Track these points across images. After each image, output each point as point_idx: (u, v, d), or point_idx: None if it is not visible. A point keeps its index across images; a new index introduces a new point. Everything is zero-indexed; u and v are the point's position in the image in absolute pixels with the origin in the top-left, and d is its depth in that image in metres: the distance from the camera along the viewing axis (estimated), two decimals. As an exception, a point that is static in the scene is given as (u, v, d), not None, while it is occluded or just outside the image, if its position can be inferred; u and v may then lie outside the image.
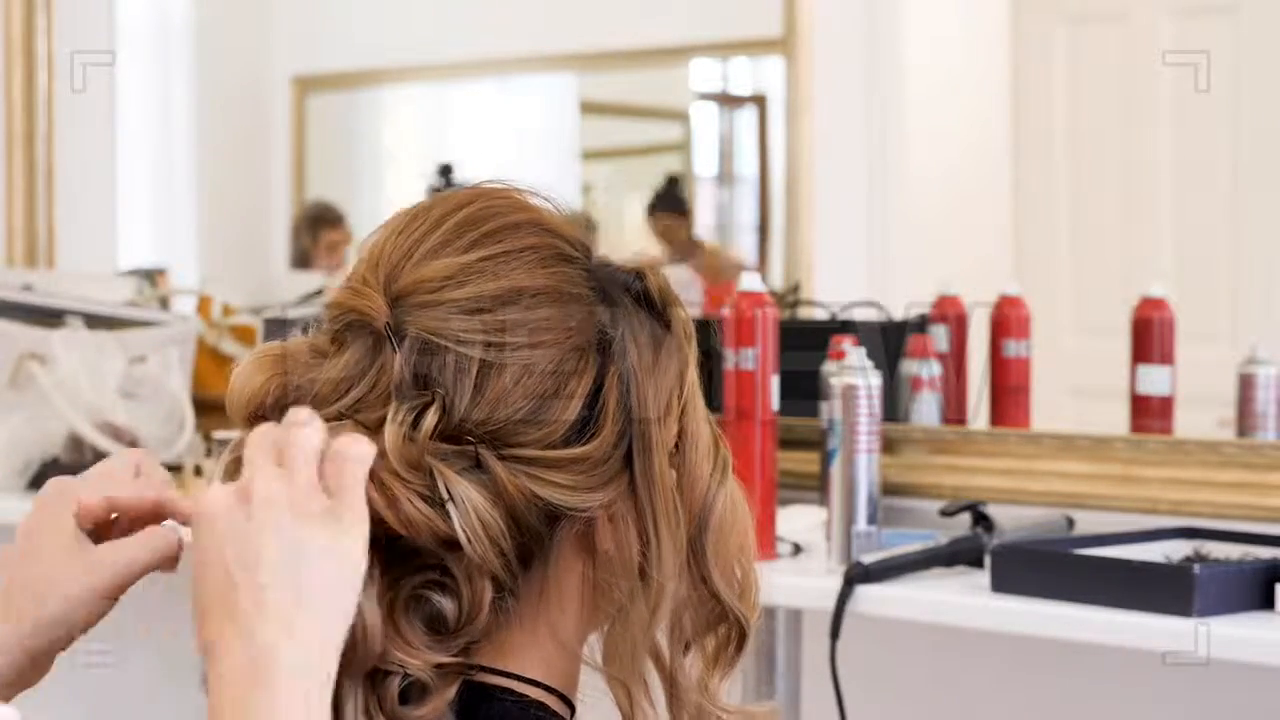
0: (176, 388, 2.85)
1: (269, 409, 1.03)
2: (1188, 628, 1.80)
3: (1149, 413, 2.46)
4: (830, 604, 2.00)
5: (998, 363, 2.59)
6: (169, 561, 1.06)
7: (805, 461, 2.34)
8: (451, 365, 1.02)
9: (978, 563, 2.07)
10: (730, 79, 3.55)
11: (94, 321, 2.93)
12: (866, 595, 2.01)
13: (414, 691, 1.01)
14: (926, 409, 2.51)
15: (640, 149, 3.68)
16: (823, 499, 2.17)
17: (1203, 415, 2.50)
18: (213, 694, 0.91)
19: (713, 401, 1.12)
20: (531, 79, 3.73)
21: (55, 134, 3.45)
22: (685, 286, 3.12)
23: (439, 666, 1.01)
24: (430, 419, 1.00)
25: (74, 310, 2.94)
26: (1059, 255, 2.90)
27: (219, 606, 0.92)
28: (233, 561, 0.92)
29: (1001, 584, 1.97)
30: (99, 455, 2.72)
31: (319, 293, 3.31)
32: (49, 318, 2.92)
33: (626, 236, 3.49)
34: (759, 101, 3.37)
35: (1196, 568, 1.84)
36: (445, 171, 3.48)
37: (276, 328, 2.72)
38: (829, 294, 2.77)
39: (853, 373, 2.13)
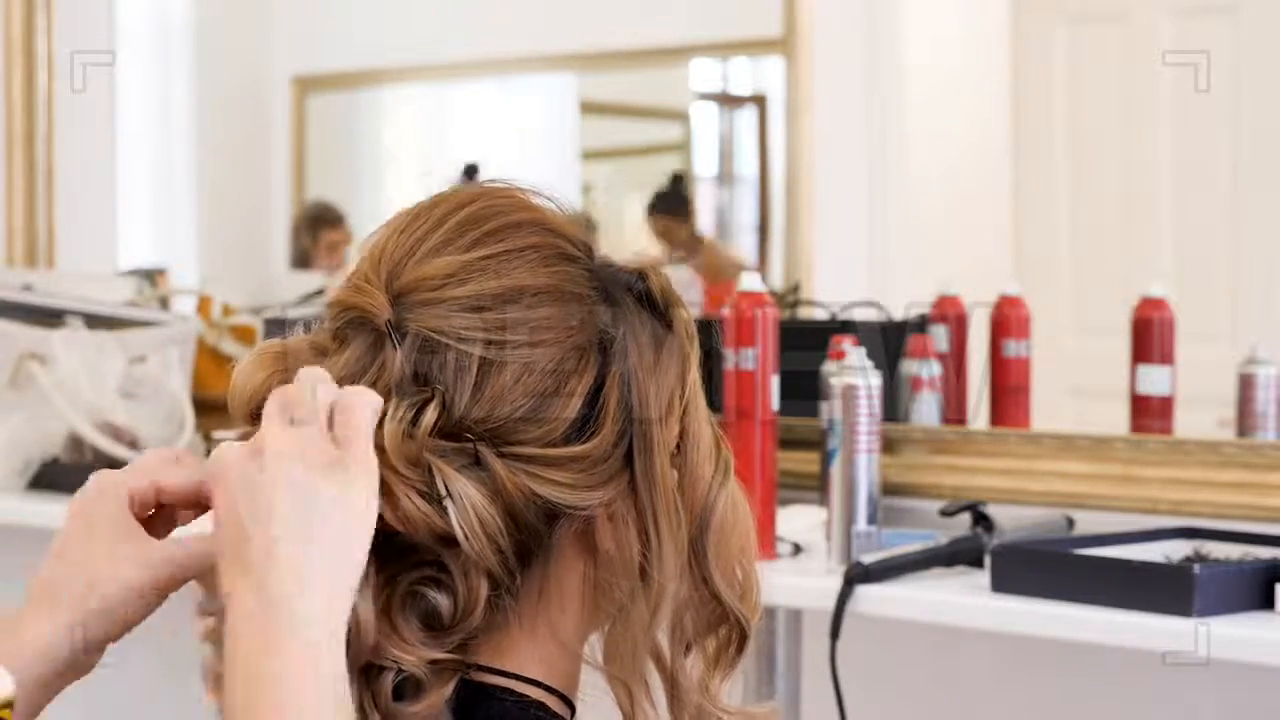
0: (176, 388, 2.85)
1: (270, 406, 1.03)
2: (1188, 628, 1.80)
3: (1149, 413, 2.46)
4: (830, 604, 2.00)
5: (998, 363, 2.59)
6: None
7: (805, 461, 2.34)
8: (452, 363, 1.02)
9: (978, 563, 2.07)
10: (730, 79, 3.55)
11: (94, 321, 2.93)
12: (866, 595, 2.01)
13: (409, 687, 1.01)
14: (926, 409, 2.51)
15: (640, 149, 3.68)
16: (823, 499, 2.17)
17: (1203, 415, 2.50)
18: (228, 644, 0.92)
19: (713, 401, 1.12)
20: (531, 79, 3.72)
21: (55, 134, 3.45)
22: (685, 286, 3.12)
23: (434, 663, 1.01)
24: (430, 416, 1.01)
25: (74, 310, 2.94)
26: (1059, 255, 2.90)
27: (234, 559, 0.93)
28: (246, 515, 0.93)
29: (1001, 584, 1.97)
30: (99, 455, 2.72)
31: (319, 293, 3.31)
32: (49, 318, 2.92)
33: (626, 236, 3.49)
34: (759, 101, 3.37)
35: (1196, 568, 1.84)
36: (470, 172, 3.48)
37: (276, 328, 2.71)
38: (829, 294, 2.77)
39: (853, 373, 2.13)
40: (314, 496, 0.93)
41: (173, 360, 2.89)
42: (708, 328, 2.10)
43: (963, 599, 1.99)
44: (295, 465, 0.94)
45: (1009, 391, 2.59)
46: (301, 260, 3.80)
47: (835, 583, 2.01)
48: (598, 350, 1.05)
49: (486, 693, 1.04)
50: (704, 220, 3.52)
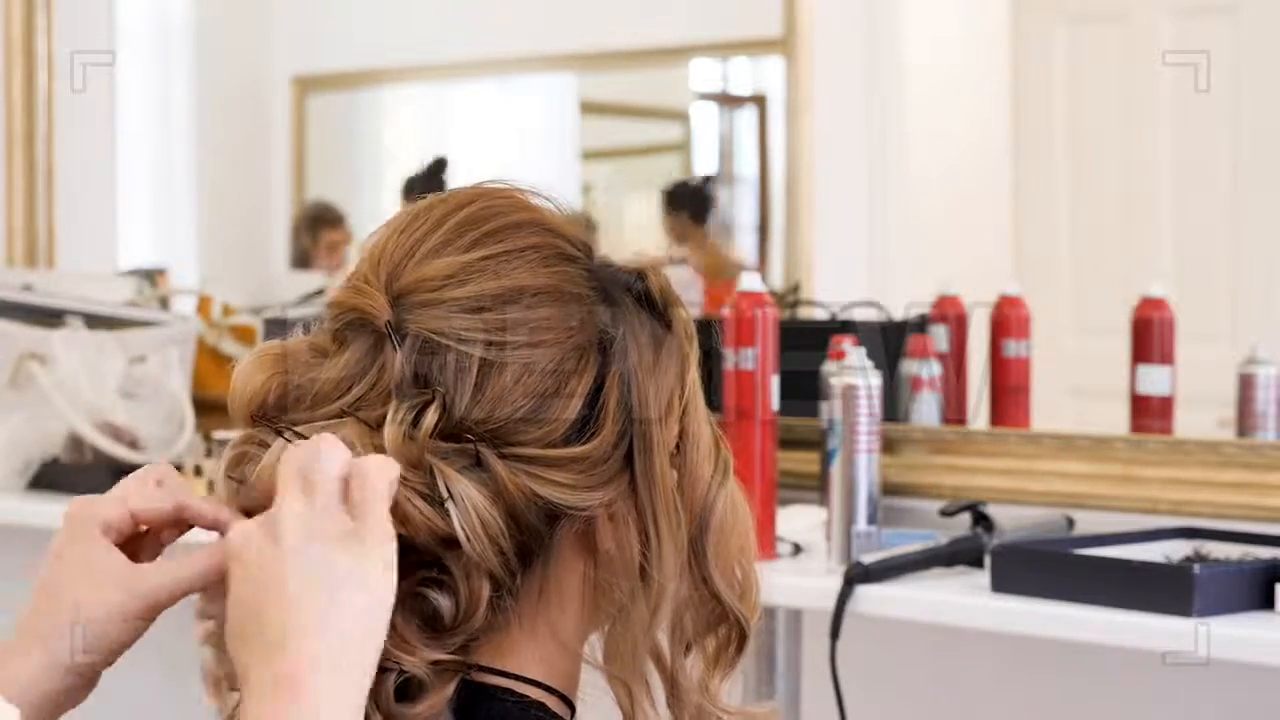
0: (176, 388, 2.85)
1: (270, 408, 1.04)
2: (1188, 628, 1.80)
3: (1149, 413, 2.46)
4: (830, 604, 2.00)
5: (998, 363, 2.59)
6: (218, 582, 1.03)
7: (805, 461, 2.34)
8: (452, 364, 1.02)
9: (978, 563, 2.07)
10: (730, 79, 3.55)
11: (94, 321, 2.93)
12: (866, 595, 2.01)
13: (411, 688, 1.01)
14: (926, 409, 2.51)
15: (640, 149, 3.68)
16: (823, 499, 2.17)
17: (1203, 415, 2.50)
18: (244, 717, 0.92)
19: (713, 401, 1.12)
20: (531, 79, 3.73)
21: (55, 134, 3.45)
22: (685, 286, 3.12)
23: (436, 664, 1.01)
24: (430, 417, 1.01)
25: (74, 310, 2.94)
26: (1059, 255, 2.90)
27: (249, 634, 0.93)
28: (259, 589, 0.93)
29: (1001, 584, 1.97)
30: (99, 455, 2.72)
31: (319, 293, 3.31)
32: (49, 318, 2.92)
33: (626, 236, 3.49)
34: (759, 101, 3.37)
35: (1196, 568, 1.84)
36: (438, 166, 3.48)
37: (276, 328, 2.72)
38: (829, 294, 2.77)
39: (853, 373, 2.13)
40: (329, 569, 0.93)
41: (173, 360, 2.89)
42: (707, 328, 2.10)
43: (963, 599, 1.99)
44: (306, 539, 0.93)
45: (1009, 391, 2.59)
46: (301, 260, 3.80)
47: (835, 583, 2.01)
48: (597, 350, 1.05)
49: (487, 693, 1.04)
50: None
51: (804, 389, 2.31)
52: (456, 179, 3.43)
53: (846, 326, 2.50)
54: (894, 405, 2.46)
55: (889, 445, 2.35)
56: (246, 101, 3.93)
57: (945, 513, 2.14)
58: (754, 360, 2.18)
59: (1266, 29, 2.71)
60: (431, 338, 1.02)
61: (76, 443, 2.77)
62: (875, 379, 2.14)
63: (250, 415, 1.04)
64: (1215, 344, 2.63)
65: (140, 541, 1.07)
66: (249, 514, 1.02)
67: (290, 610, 0.92)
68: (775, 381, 2.19)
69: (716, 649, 1.10)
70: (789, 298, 2.91)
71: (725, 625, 1.09)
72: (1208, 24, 2.75)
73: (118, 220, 3.72)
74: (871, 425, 2.13)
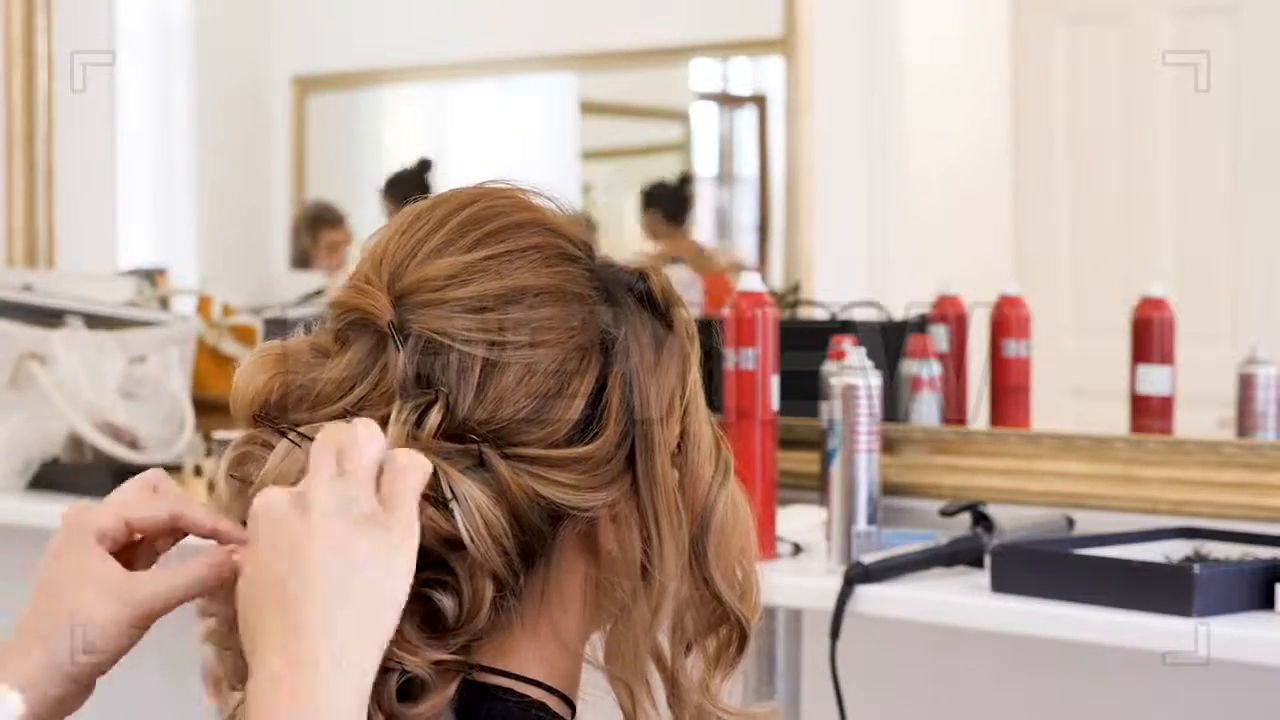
0: (176, 388, 2.85)
1: (272, 407, 1.04)
2: (1188, 628, 1.80)
3: (1149, 413, 2.46)
4: (830, 604, 2.00)
5: (998, 363, 2.59)
6: (215, 588, 1.03)
7: (805, 461, 2.34)
8: (455, 364, 1.02)
9: (978, 563, 2.07)
10: (730, 79, 3.55)
11: (94, 321, 2.93)
12: (866, 595, 2.01)
13: (413, 689, 1.01)
14: (926, 409, 2.51)
15: (640, 149, 3.68)
16: (823, 499, 2.17)
17: (1203, 415, 2.50)
18: (250, 701, 0.92)
19: (713, 401, 1.12)
20: (531, 79, 3.73)
21: (55, 134, 3.45)
22: (686, 286, 3.12)
23: (438, 664, 1.01)
24: (434, 418, 1.01)
25: (74, 310, 2.94)
26: (1059, 255, 2.90)
27: (267, 605, 0.93)
28: (284, 564, 0.93)
29: (1001, 584, 1.97)
30: (99, 455, 2.72)
31: (319, 293, 3.31)
32: (49, 318, 2.92)
33: (626, 236, 3.49)
34: (759, 101, 3.37)
35: (1196, 568, 1.84)
36: (424, 166, 3.48)
37: (276, 328, 2.72)
38: (829, 294, 2.77)
39: (853, 373, 2.13)
40: (353, 551, 0.93)
41: (173, 360, 2.89)
42: (708, 328, 2.10)
43: (963, 599, 1.99)
44: (337, 519, 0.93)
45: (1009, 391, 2.59)
46: (301, 260, 3.80)
47: (835, 583, 2.01)
48: (599, 351, 1.05)
49: (489, 693, 1.04)
50: (704, 220, 3.52)
51: (804, 389, 2.31)
52: (453, 179, 3.43)
53: (846, 326, 2.49)
54: (894, 405, 2.46)
55: (889, 445, 2.35)
56: (246, 101, 3.93)
57: (945, 513, 2.14)
58: (754, 360, 2.18)
59: (1266, 29, 2.72)
60: (434, 338, 1.02)
61: (76, 443, 2.77)
62: (875, 379, 2.14)
63: (252, 415, 1.04)
64: (1215, 344, 2.63)
65: (136, 549, 1.07)
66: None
67: (310, 585, 0.92)
68: (775, 381, 2.19)
69: (717, 649, 1.10)
70: (789, 298, 2.91)
71: (726, 625, 1.09)
72: (1208, 24, 2.75)
73: (118, 220, 3.72)
74: (871, 425, 2.13)
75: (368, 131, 4.02)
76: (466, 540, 1.00)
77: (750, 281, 2.22)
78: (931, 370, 2.52)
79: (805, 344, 2.42)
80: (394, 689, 1.00)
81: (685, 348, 1.09)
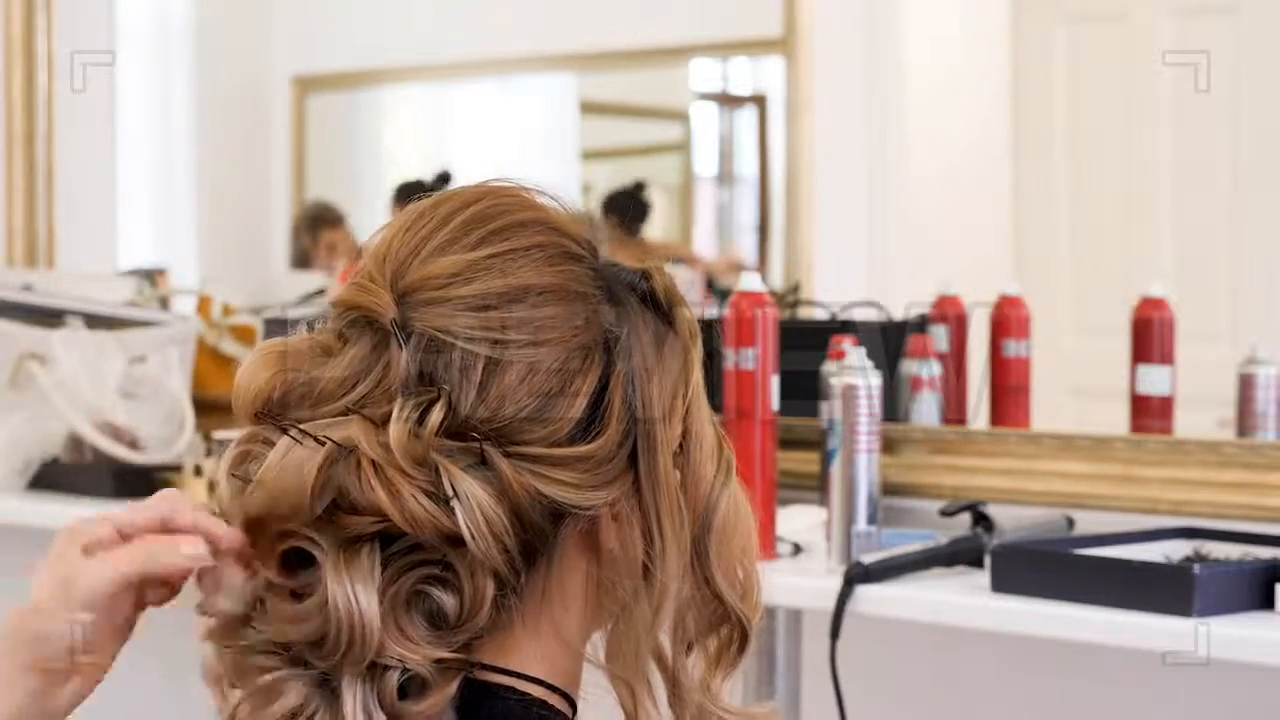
0: (176, 388, 2.84)
1: (274, 405, 1.04)
2: (1188, 628, 1.80)
3: (1149, 413, 2.46)
4: (830, 604, 2.00)
5: (998, 363, 2.59)
6: (173, 579, 1.03)
7: (805, 461, 2.34)
8: (457, 362, 1.02)
9: (978, 563, 2.07)
10: (730, 79, 3.55)
11: (94, 321, 2.93)
12: (866, 595, 2.01)
13: (413, 686, 1.01)
14: (926, 409, 2.51)
15: (640, 149, 3.69)
16: (823, 499, 2.17)
17: (1203, 415, 2.50)
18: None
19: (713, 401, 1.12)
20: (531, 79, 3.73)
21: (55, 134, 3.45)
22: (687, 287, 3.13)
23: (439, 662, 1.01)
24: (436, 416, 1.01)
25: (74, 310, 2.94)
26: (1059, 255, 2.90)
27: None
28: None
29: (1001, 584, 1.97)
30: (99, 455, 2.72)
31: (319, 293, 3.31)
32: (49, 318, 2.92)
33: (626, 237, 3.48)
34: (759, 101, 3.37)
35: (1196, 568, 1.84)
36: (444, 178, 3.49)
37: (276, 328, 2.72)
38: (829, 294, 2.77)
39: (853, 373, 2.13)
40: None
41: (173, 360, 2.89)
42: (709, 328, 2.10)
43: (963, 599, 1.99)
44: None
45: (1009, 391, 2.59)
46: (301, 260, 3.80)
47: (835, 583, 2.01)
48: (602, 350, 1.05)
49: (490, 691, 1.05)
50: (704, 220, 3.52)
51: (804, 389, 2.31)
52: (453, 179, 3.43)
53: (846, 326, 2.49)
54: (894, 405, 2.46)
55: (889, 445, 2.35)
56: (246, 101, 3.93)
57: (945, 513, 2.14)
58: (754, 360, 2.18)
59: (1266, 29, 2.72)
60: (437, 336, 1.02)
61: (76, 443, 2.77)
62: (875, 379, 2.14)
63: (254, 413, 1.04)
64: (1215, 344, 2.63)
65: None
66: (252, 515, 1.02)
67: None
68: (775, 381, 2.19)
69: (718, 649, 1.10)
70: (789, 298, 2.91)
71: (727, 625, 1.09)
72: (1208, 24, 2.75)
73: (118, 220, 3.72)
74: (871, 425, 2.13)
75: (368, 131, 4.02)
76: (467, 538, 1.00)
77: (750, 281, 2.22)
78: (931, 370, 2.52)
79: (805, 344, 2.42)
80: (394, 686, 1.00)
81: (688, 347, 1.09)
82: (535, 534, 1.03)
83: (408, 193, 3.62)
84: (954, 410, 2.57)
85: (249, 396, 1.04)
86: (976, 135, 3.01)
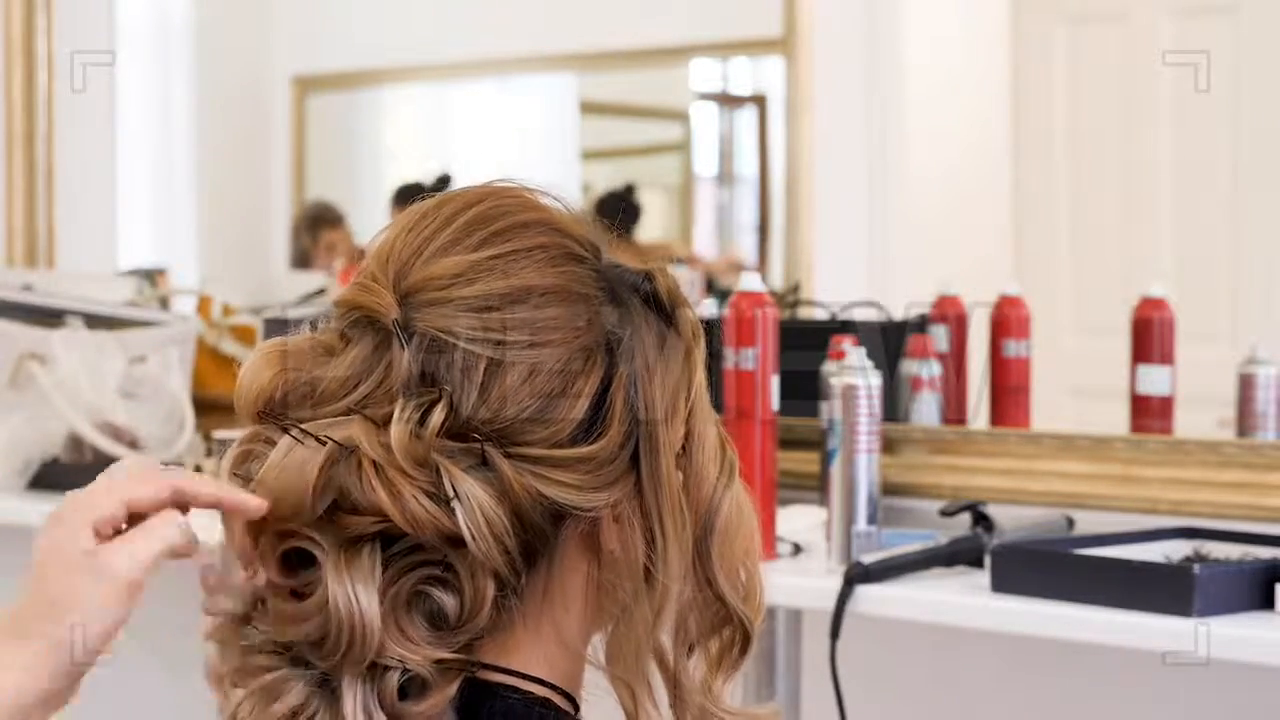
0: (176, 388, 2.84)
1: (276, 405, 1.04)
2: (1188, 628, 1.80)
3: (1149, 413, 2.46)
4: (830, 604, 2.00)
5: (998, 363, 2.59)
6: (183, 548, 1.02)
7: (805, 461, 2.34)
8: (459, 363, 1.02)
9: (978, 563, 2.07)
10: (730, 79, 3.55)
11: (94, 321, 2.93)
12: (866, 595, 2.01)
13: (414, 687, 1.01)
14: (926, 409, 2.51)
15: (640, 149, 3.69)
16: (823, 499, 2.17)
17: (1203, 415, 2.50)
18: None
19: (713, 401, 1.12)
20: (531, 79, 3.73)
21: (55, 134, 3.45)
22: (690, 287, 3.13)
23: (439, 662, 1.01)
24: (437, 416, 1.01)
25: (74, 310, 2.94)
26: (1059, 255, 2.90)
27: None
28: None
29: (1001, 584, 1.97)
30: (99, 455, 2.72)
31: (319, 293, 3.31)
32: (49, 318, 2.92)
33: (626, 236, 3.48)
34: (759, 101, 3.37)
35: (1196, 568, 1.84)
36: (444, 181, 3.48)
37: (276, 328, 2.72)
38: (829, 294, 2.77)
39: (853, 373, 2.13)
40: None
41: (173, 360, 2.89)
42: (710, 329, 2.10)
43: (963, 599, 1.99)
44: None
45: (1009, 391, 2.59)
46: (301, 260, 3.81)
47: (835, 583, 2.01)
48: (604, 351, 1.05)
49: (491, 690, 1.05)
50: (704, 220, 3.52)
51: (804, 389, 2.31)
52: (453, 180, 3.43)
53: (846, 326, 2.49)
54: (894, 405, 2.46)
55: (889, 445, 2.35)
56: (246, 101, 3.93)
57: (945, 513, 2.14)
58: (754, 360, 2.18)
59: (1266, 29, 2.72)
60: (439, 336, 1.02)
61: (76, 443, 2.77)
62: (875, 379, 2.14)
63: (256, 412, 1.04)
64: (1215, 344, 2.63)
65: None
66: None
67: None
68: (775, 381, 2.19)
69: (720, 650, 1.10)
70: (789, 298, 2.91)
71: (729, 627, 1.09)
72: (1208, 24, 2.75)
73: (118, 220, 3.72)
74: (871, 425, 2.13)
75: (368, 131, 4.02)
76: (468, 538, 1.00)
77: (750, 281, 2.22)
78: (931, 370, 2.52)
79: (805, 344, 2.42)
80: (395, 687, 1.00)
81: (690, 349, 1.09)
82: (536, 535, 1.03)
83: (407, 195, 3.62)
84: (954, 410, 2.57)
85: (251, 396, 1.04)
86: (976, 135, 3.01)
